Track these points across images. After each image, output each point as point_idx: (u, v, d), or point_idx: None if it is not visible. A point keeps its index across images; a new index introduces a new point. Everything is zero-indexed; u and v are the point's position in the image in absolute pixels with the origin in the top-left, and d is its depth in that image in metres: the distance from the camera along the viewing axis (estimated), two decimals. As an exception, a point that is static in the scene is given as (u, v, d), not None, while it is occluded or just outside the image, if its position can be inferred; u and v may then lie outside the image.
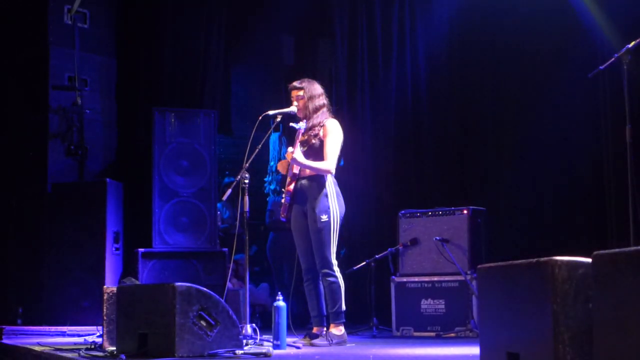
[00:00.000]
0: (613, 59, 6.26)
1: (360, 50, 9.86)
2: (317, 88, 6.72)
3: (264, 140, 6.66)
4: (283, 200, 6.61)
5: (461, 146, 9.23)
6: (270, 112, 6.64)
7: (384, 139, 9.62)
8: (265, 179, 10.94)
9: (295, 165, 6.55)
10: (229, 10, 10.31)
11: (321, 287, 6.63)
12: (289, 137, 9.26)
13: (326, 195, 6.49)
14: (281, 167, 6.84)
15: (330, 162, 6.51)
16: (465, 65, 9.30)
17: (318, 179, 6.53)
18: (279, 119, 6.69)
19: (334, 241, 6.49)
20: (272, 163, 10.89)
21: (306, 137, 6.58)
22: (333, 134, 6.59)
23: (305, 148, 6.56)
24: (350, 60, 9.95)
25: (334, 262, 6.51)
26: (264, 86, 12.22)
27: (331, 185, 6.54)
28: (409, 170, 9.46)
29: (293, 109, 6.67)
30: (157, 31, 10.01)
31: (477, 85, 9.18)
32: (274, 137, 10.81)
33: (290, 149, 6.55)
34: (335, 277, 6.50)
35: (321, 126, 6.59)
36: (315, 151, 6.54)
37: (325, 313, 6.65)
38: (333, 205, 6.49)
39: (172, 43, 10.01)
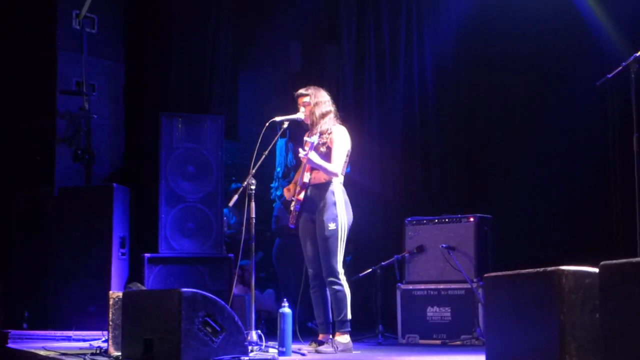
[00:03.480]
0: (621, 67, 6.25)
1: (367, 57, 9.85)
2: (323, 95, 6.75)
3: (270, 146, 6.68)
4: (292, 208, 6.63)
5: (468, 153, 9.22)
6: (277, 118, 6.65)
7: (391, 146, 9.61)
8: (272, 185, 10.93)
9: (305, 175, 6.56)
10: (236, 15, 10.31)
11: (328, 294, 6.63)
12: (296, 143, 9.26)
13: (334, 204, 6.50)
14: (287, 192, 6.87)
15: (335, 165, 6.53)
16: (472, 72, 9.30)
17: (327, 187, 6.54)
18: (285, 125, 6.71)
19: (340, 250, 6.50)
20: (278, 169, 10.88)
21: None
22: (340, 140, 6.62)
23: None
24: (357, 66, 9.95)
25: (340, 270, 6.52)
26: (271, 92, 12.21)
27: (340, 194, 6.56)
28: (415, 177, 9.45)
29: (300, 115, 6.69)
30: (165, 36, 10.01)
31: (484, 92, 9.18)
32: (280, 143, 10.80)
33: (302, 151, 6.53)
34: (341, 285, 6.50)
35: (329, 133, 6.61)
36: (323, 158, 6.55)
37: (331, 320, 6.65)
38: (341, 213, 6.51)
39: (179, 48, 10.01)
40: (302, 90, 6.79)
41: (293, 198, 6.70)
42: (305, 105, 6.71)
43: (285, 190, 7.01)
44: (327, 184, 6.56)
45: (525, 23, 8.81)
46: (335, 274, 6.49)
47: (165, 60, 9.97)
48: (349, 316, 6.55)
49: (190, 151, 8.66)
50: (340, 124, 6.77)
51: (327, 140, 6.60)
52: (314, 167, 6.55)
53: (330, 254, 6.48)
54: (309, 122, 6.69)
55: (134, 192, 9.03)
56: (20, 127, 9.35)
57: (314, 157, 6.46)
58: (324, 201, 6.52)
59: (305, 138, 6.58)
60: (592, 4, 8.14)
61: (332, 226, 6.47)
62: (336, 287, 6.50)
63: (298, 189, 6.64)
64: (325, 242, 6.48)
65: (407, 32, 9.69)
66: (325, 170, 6.52)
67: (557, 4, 8.44)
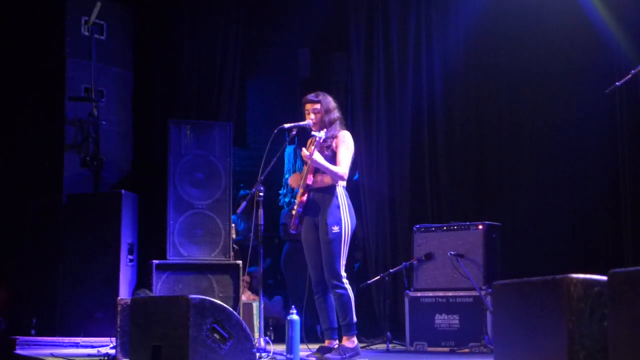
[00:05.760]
0: (630, 75, 6.24)
1: (376, 64, 9.85)
2: (331, 101, 6.76)
3: (279, 153, 6.67)
4: (294, 212, 6.61)
5: (477, 161, 9.20)
6: (286, 125, 6.65)
7: (399, 153, 9.60)
8: (280, 192, 10.93)
9: (309, 177, 6.54)
10: (245, 23, 10.33)
11: (331, 299, 6.61)
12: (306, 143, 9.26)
13: (338, 207, 6.49)
14: (293, 181, 6.87)
15: (342, 167, 6.52)
16: (481, 79, 9.28)
17: (330, 191, 6.54)
18: (294, 132, 6.71)
19: (344, 253, 6.49)
20: (287, 176, 10.88)
21: (319, 148, 6.57)
22: (345, 144, 6.63)
23: (319, 158, 6.56)
24: (366, 73, 9.94)
25: (343, 274, 6.50)
26: (279, 99, 12.23)
27: (343, 197, 6.55)
28: (424, 184, 9.43)
29: (309, 122, 6.68)
30: (174, 43, 10.04)
31: (494, 99, 9.16)
32: (289, 150, 10.80)
33: (305, 150, 6.53)
34: (345, 289, 6.49)
35: (334, 137, 6.60)
36: (328, 161, 6.53)
37: (336, 326, 6.63)
38: (345, 217, 6.49)
39: (188, 55, 10.04)
40: (311, 97, 6.77)
41: (294, 200, 6.69)
42: (315, 111, 6.69)
43: (290, 179, 6.99)
44: (331, 187, 6.55)
45: (534, 31, 8.81)
46: (338, 277, 6.47)
47: (174, 67, 10.00)
48: (355, 319, 6.52)
49: (198, 158, 8.67)
50: (345, 129, 6.76)
51: (332, 144, 6.59)
52: (317, 168, 6.52)
53: (333, 257, 6.46)
54: (317, 128, 6.68)
55: (143, 198, 9.04)
56: (29, 133, 9.36)
57: (318, 157, 6.45)
58: (328, 204, 6.51)
59: (314, 132, 6.56)
60: (602, 11, 8.13)
61: (335, 229, 6.45)
62: (340, 290, 6.48)
63: (301, 191, 6.62)
64: (329, 246, 6.46)
65: (416, 40, 9.68)
66: (330, 172, 6.50)
67: (567, 12, 8.43)
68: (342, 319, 6.54)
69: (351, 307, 6.51)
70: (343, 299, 6.50)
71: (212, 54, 10.09)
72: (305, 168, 6.68)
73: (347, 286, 6.52)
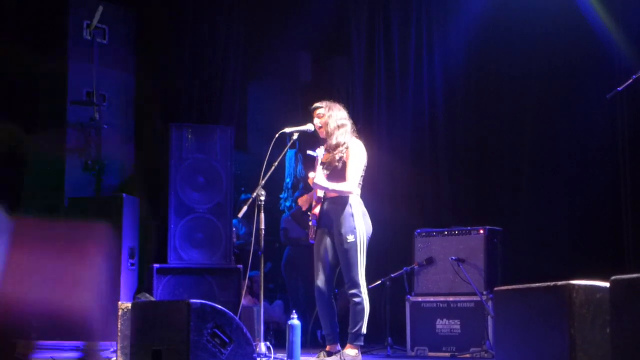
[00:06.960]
0: (631, 80, 6.24)
1: (377, 68, 9.85)
2: (339, 108, 6.70)
3: (280, 157, 6.66)
4: (310, 224, 6.59)
5: (478, 165, 9.20)
6: (287, 130, 6.65)
7: (400, 158, 9.60)
8: (281, 196, 10.92)
9: (318, 189, 6.53)
10: (246, 26, 10.33)
11: (334, 305, 6.60)
12: (305, 154, 9.24)
13: (351, 215, 6.45)
14: (302, 202, 6.82)
15: (349, 183, 6.47)
16: (482, 84, 9.29)
17: (343, 200, 6.49)
18: (295, 137, 6.69)
19: (361, 261, 6.44)
20: (288, 180, 10.88)
21: (329, 159, 6.55)
22: (356, 156, 6.56)
23: (329, 171, 6.53)
24: (367, 77, 9.95)
25: (362, 283, 6.45)
26: (280, 103, 12.22)
27: (356, 205, 6.50)
28: (425, 189, 9.43)
29: (310, 126, 6.67)
30: (175, 47, 10.04)
31: (494, 104, 9.16)
32: (290, 154, 10.80)
33: (311, 174, 6.53)
34: (362, 298, 6.44)
35: (345, 147, 6.55)
36: (338, 173, 6.50)
37: (338, 330, 6.61)
38: (359, 225, 6.45)
39: (190, 59, 10.03)
40: (318, 103, 6.75)
41: (309, 212, 6.67)
42: (320, 116, 6.68)
43: (299, 200, 6.94)
44: (342, 196, 6.50)
45: (535, 35, 8.81)
46: (357, 286, 6.43)
47: (176, 71, 9.99)
48: (364, 331, 6.46)
49: (199, 162, 8.67)
50: (356, 137, 6.72)
51: (343, 155, 6.55)
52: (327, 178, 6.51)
53: (350, 266, 6.43)
54: (323, 133, 6.64)
55: (144, 202, 9.03)
56: (31, 137, 9.35)
57: (321, 181, 6.44)
58: (341, 214, 6.47)
59: (309, 152, 6.56)
60: (603, 16, 8.14)
61: (350, 238, 6.42)
62: (357, 299, 6.43)
63: (314, 203, 6.61)
64: (346, 255, 6.44)
65: (417, 44, 9.69)
66: (337, 192, 6.47)
67: (568, 16, 8.44)
68: (351, 326, 6.48)
69: (363, 317, 6.44)
70: (357, 307, 6.44)
71: (214, 58, 10.09)
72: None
73: (365, 296, 6.46)
